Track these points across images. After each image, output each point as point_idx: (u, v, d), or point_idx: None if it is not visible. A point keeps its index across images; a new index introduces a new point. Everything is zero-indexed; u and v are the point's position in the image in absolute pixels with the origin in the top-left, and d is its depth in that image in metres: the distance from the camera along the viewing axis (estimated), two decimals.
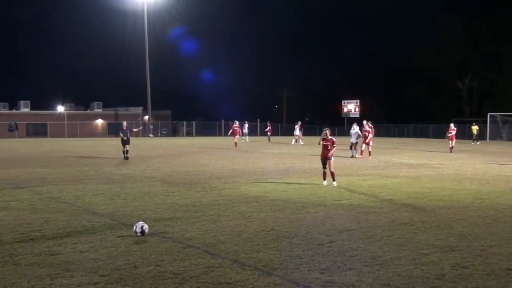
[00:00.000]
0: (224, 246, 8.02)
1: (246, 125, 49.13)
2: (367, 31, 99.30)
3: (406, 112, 76.30)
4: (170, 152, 31.01)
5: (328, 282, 6.36)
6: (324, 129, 15.79)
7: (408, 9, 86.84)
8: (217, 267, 6.91)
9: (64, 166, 21.42)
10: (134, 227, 8.69)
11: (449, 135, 32.33)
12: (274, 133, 58.52)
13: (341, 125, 68.90)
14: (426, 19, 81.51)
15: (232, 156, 27.58)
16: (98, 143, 43.98)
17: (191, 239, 8.52)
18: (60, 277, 6.50)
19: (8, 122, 60.87)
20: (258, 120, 68.01)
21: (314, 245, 8.15)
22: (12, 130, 60.20)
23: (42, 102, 70.59)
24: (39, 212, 10.88)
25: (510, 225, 9.80)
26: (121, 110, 72.12)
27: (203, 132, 71.12)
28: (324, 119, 76.71)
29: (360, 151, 26.62)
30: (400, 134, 66.31)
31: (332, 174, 15.28)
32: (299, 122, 44.81)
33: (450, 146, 31.77)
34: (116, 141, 28.60)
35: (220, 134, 69.10)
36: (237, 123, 37.20)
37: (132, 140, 26.54)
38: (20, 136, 59.10)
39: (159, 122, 71.31)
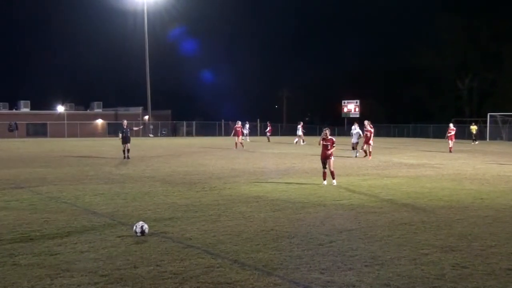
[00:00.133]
0: (224, 246, 8.02)
1: (247, 126, 49.17)
2: (367, 31, 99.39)
3: (406, 112, 76.27)
4: (170, 152, 31.01)
5: (328, 282, 6.36)
6: (324, 129, 15.80)
7: (408, 9, 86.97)
8: (217, 267, 6.91)
9: (64, 166, 21.42)
10: (134, 227, 8.69)
11: (449, 135, 32.40)
12: (274, 133, 58.55)
13: (341, 125, 68.91)
14: (426, 19, 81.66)
15: (232, 156, 27.58)
16: (98, 143, 43.99)
17: (191, 239, 8.52)
18: (60, 277, 6.49)
19: (8, 122, 60.88)
20: (258, 120, 68.03)
21: (314, 245, 8.15)
22: (12, 130, 60.21)
23: (42, 102, 70.77)
24: (39, 212, 10.88)
25: (510, 225, 9.80)
26: (121, 110, 72.15)
27: (203, 132, 71.14)
28: (324, 119, 76.70)
29: (364, 151, 26.60)
30: (400, 134, 66.31)
31: (332, 174, 15.29)
32: (301, 122, 44.86)
33: (450, 146, 31.82)
34: (116, 141, 28.58)
35: (220, 134, 69.14)
36: (239, 124, 37.18)
37: (132, 140, 26.57)
38: (20, 136, 59.10)
39: (159, 122, 71.34)
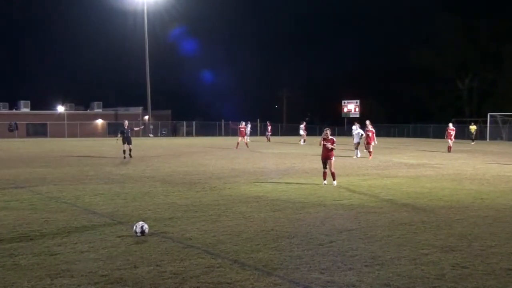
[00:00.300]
0: (224, 246, 8.02)
1: (249, 126, 49.27)
2: (367, 31, 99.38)
3: (406, 112, 76.28)
4: (170, 152, 31.01)
5: (328, 282, 6.36)
6: (325, 129, 15.80)
7: (408, 9, 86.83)
8: (217, 267, 6.91)
9: (64, 166, 21.42)
10: (134, 227, 8.69)
11: (448, 134, 32.45)
12: (274, 133, 58.56)
13: (341, 125, 68.91)
14: (426, 19, 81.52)
15: (232, 156, 27.58)
16: (98, 143, 43.99)
17: (191, 239, 8.52)
18: (60, 277, 6.49)
19: (8, 122, 60.89)
20: (258, 120, 68.04)
21: (314, 245, 8.15)
22: (12, 130, 60.21)
23: (42, 102, 70.75)
24: (39, 212, 10.87)
25: (510, 225, 9.80)
26: (121, 110, 72.17)
27: (203, 132, 71.17)
28: (324, 119, 76.68)
29: (369, 151, 26.61)
30: (400, 134, 66.31)
31: (333, 174, 15.29)
32: (304, 122, 44.88)
33: (449, 145, 31.85)
34: (115, 142, 28.58)
35: (220, 134, 69.17)
36: (243, 124, 37.14)
37: (132, 140, 26.58)
38: (20, 136, 59.11)
39: (159, 122, 71.33)
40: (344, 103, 72.38)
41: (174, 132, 71.19)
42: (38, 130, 63.50)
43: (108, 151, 31.43)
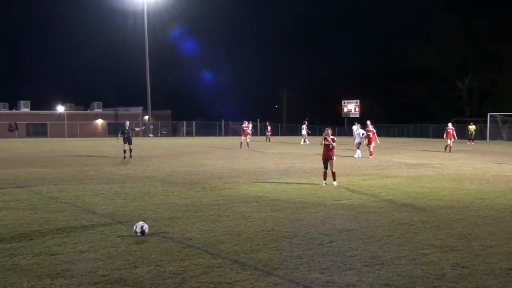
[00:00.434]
0: (224, 246, 8.02)
1: (250, 126, 49.27)
2: (367, 31, 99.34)
3: (406, 112, 76.24)
4: (170, 152, 31.01)
5: (328, 282, 6.36)
6: (326, 128, 15.79)
7: (408, 9, 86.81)
8: (217, 267, 6.91)
9: (64, 166, 21.42)
10: (134, 227, 8.69)
11: (448, 134, 32.45)
12: (274, 133, 58.54)
13: (341, 125, 68.90)
14: (426, 19, 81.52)
15: (232, 156, 27.58)
16: (98, 143, 43.99)
17: (191, 239, 8.52)
18: (60, 277, 6.49)
19: (8, 122, 60.87)
20: (258, 120, 68.04)
21: (314, 245, 8.15)
22: (12, 130, 60.20)
23: (42, 102, 70.72)
24: (39, 212, 10.88)
25: (510, 225, 9.81)
26: (121, 110, 72.16)
27: (203, 132, 71.18)
28: (324, 119, 76.68)
29: (369, 151, 26.62)
30: (400, 134, 66.29)
31: (333, 174, 15.29)
32: (306, 122, 44.85)
33: (450, 145, 31.85)
34: (115, 141, 28.59)
35: (220, 134, 69.17)
36: (246, 123, 37.14)
37: (133, 140, 26.60)
38: (20, 136, 59.10)
39: (159, 122, 71.32)
40: (344, 103, 72.37)
41: (174, 132, 71.19)
42: (38, 130, 63.49)
43: (108, 151, 31.43)
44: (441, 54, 71.40)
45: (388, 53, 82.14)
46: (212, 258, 7.37)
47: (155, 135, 65.24)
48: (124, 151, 25.86)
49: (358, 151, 26.96)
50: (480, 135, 53.57)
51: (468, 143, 43.56)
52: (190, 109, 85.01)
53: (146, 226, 8.70)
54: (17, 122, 61.31)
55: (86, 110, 73.13)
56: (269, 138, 49.16)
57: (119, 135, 26.69)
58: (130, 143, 25.84)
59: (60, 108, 68.54)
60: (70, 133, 62.83)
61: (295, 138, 50.11)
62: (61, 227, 9.38)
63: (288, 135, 67.02)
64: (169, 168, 20.54)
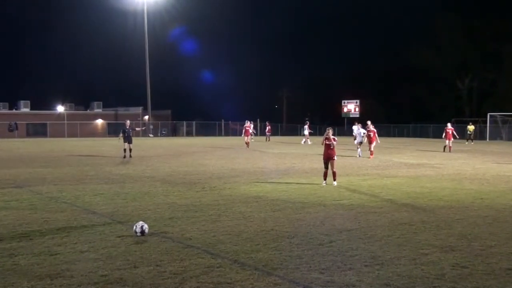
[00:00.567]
0: (224, 246, 8.02)
1: (252, 125, 49.28)
2: (367, 31, 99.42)
3: (406, 112, 76.29)
4: (170, 152, 31.01)
5: (328, 282, 6.36)
6: (327, 129, 15.79)
7: (408, 9, 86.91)
8: (217, 267, 6.91)
9: (64, 166, 21.42)
10: (134, 227, 8.69)
11: (447, 134, 32.45)
12: (274, 133, 58.56)
13: (341, 125, 68.89)
14: (426, 19, 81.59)
15: (232, 156, 27.58)
16: (98, 143, 43.98)
17: (191, 239, 8.52)
18: (60, 277, 6.49)
19: (8, 122, 60.86)
20: (258, 120, 68.06)
21: (314, 245, 8.15)
22: (12, 130, 60.19)
23: (42, 102, 70.72)
24: (39, 212, 10.88)
25: (510, 225, 9.81)
26: (121, 110, 72.14)
27: (203, 132, 71.18)
28: (324, 119, 76.70)
29: (369, 151, 26.63)
30: (400, 134, 66.29)
31: (334, 174, 15.29)
32: (308, 122, 44.87)
33: (449, 145, 31.86)
34: (116, 141, 28.60)
35: (220, 134, 69.17)
36: (248, 123, 37.09)
37: (133, 140, 26.61)
38: (20, 136, 59.09)
39: (159, 122, 71.31)
40: (344, 103, 72.35)
41: (174, 132, 71.19)
42: (38, 130, 63.48)
43: (108, 151, 31.42)
44: (441, 54, 71.42)
45: (388, 53, 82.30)
46: (212, 258, 7.37)
47: (155, 135, 65.24)
48: (124, 150, 25.90)
49: (359, 150, 26.98)
50: (480, 135, 53.57)
51: (467, 143, 43.53)
52: (190, 109, 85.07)
53: (146, 226, 8.70)
54: (17, 122, 61.30)
55: (86, 110, 73.12)
56: (268, 138, 49.18)
57: (120, 134, 26.71)
58: (130, 142, 25.88)
59: (60, 108, 68.54)
60: (70, 133, 62.83)
61: (295, 138, 50.14)
62: (61, 227, 9.38)
63: (288, 135, 67.02)
64: (169, 168, 20.54)
